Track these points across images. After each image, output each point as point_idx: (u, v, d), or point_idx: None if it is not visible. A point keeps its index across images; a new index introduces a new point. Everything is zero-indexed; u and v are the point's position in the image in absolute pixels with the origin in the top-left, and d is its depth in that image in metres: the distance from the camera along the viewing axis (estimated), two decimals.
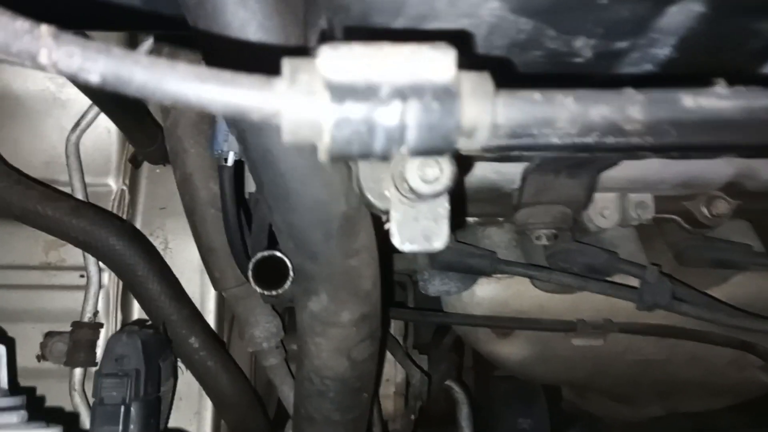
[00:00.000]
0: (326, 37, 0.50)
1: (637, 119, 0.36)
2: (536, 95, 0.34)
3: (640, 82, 0.54)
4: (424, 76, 0.31)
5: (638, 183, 1.06)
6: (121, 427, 0.88)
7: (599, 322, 1.31)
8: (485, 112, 0.33)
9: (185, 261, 1.33)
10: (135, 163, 1.31)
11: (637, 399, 1.67)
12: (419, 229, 0.59)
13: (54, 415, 1.12)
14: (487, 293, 1.34)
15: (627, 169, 1.01)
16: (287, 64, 0.31)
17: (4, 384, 0.80)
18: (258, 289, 0.84)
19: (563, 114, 0.34)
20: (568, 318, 1.32)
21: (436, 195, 0.53)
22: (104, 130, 1.35)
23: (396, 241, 0.59)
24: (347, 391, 0.87)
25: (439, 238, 0.60)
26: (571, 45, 0.46)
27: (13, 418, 0.63)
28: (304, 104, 0.31)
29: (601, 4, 0.40)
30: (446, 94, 0.31)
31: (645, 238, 1.32)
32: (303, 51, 0.51)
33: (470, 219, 1.23)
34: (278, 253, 0.80)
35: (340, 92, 0.30)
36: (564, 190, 0.98)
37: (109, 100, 1.10)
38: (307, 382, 0.87)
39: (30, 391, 1.10)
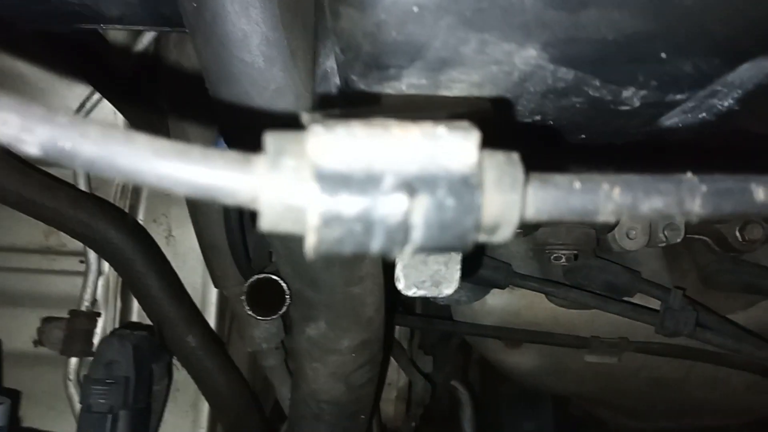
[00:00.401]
0: (331, 77, 0.44)
1: (696, 213, 0.30)
2: (575, 183, 0.28)
3: (691, 129, 0.47)
4: (439, 164, 0.25)
5: None
6: None
7: (615, 340, 1.26)
8: (512, 206, 0.26)
9: (188, 250, 1.29)
10: None
11: (649, 415, 1.62)
12: (428, 273, 0.53)
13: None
14: (499, 302, 1.28)
15: None
16: (271, 141, 0.25)
17: None
18: (251, 314, 0.79)
19: (607, 207, 0.28)
20: (583, 333, 1.26)
21: None
22: (110, 111, 1.29)
23: (401, 285, 0.53)
24: (343, 414, 0.83)
25: (449, 284, 0.54)
26: (617, 94, 0.39)
27: None
28: (287, 194, 0.25)
29: (660, 58, 0.34)
30: (465, 187, 0.25)
31: (670, 255, 1.25)
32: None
33: None
34: (274, 277, 0.75)
35: (333, 182, 0.24)
36: None
37: (113, 88, 1.05)
38: (303, 405, 0.82)
39: (14, 394, 1.08)
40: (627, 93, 0.39)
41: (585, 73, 0.35)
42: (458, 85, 0.37)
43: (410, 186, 0.25)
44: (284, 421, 1.26)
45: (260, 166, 0.25)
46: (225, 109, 0.52)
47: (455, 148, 0.25)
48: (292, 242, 0.61)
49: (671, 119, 0.46)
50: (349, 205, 0.25)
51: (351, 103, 0.40)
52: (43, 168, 1.16)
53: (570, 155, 0.48)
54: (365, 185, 0.25)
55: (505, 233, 0.27)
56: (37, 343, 1.23)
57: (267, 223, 0.25)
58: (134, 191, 1.30)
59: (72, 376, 1.19)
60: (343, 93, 0.42)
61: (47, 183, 1.05)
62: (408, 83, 0.36)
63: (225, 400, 1.15)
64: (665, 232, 1.04)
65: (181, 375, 1.22)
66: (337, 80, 0.49)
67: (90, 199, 1.10)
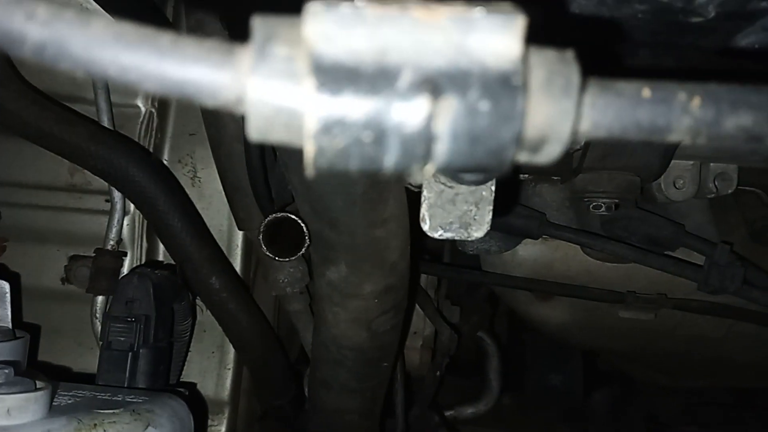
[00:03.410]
0: None
1: None
2: (644, 90, 0.22)
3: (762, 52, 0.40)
4: (472, 58, 0.20)
5: (724, 152, 0.91)
6: (127, 374, 0.84)
7: (652, 296, 1.20)
8: (563, 116, 0.21)
9: (214, 192, 1.26)
10: None
11: (683, 373, 1.57)
12: (456, 213, 0.48)
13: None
14: (531, 254, 1.23)
15: None
16: (259, 26, 0.20)
17: (8, 323, 0.77)
18: (268, 254, 0.75)
19: (683, 122, 0.23)
20: (618, 288, 1.20)
21: (482, 182, 0.42)
22: None
23: (426, 226, 0.48)
24: (365, 361, 0.80)
25: (479, 226, 0.49)
26: (690, 0, 0.32)
27: None
28: (278, 92, 0.20)
29: None
30: (504, 88, 0.20)
31: (717, 208, 1.17)
32: None
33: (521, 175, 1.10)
34: (293, 216, 0.70)
35: (335, 77, 0.19)
36: (636, 156, 0.84)
37: (131, 18, 1.00)
38: (324, 349, 0.80)
39: (34, 328, 1.08)
40: None
41: None
42: None
43: (434, 84, 0.20)
44: (309, 365, 1.25)
45: (245, 58, 0.20)
46: None
47: (493, 36, 0.20)
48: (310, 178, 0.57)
49: (747, 38, 0.39)
50: (356, 106, 0.19)
51: None
52: (66, 104, 1.13)
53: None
54: (376, 82, 0.19)
55: (551, 151, 0.22)
56: (65, 280, 1.23)
57: (256, 129, 0.20)
58: (159, 129, 1.27)
59: (98, 313, 1.19)
60: None
61: (67, 117, 1.02)
62: None
63: (248, 342, 1.13)
64: (716, 182, 0.97)
65: (207, 316, 1.21)
66: None
67: (112, 135, 1.07)
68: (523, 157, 0.22)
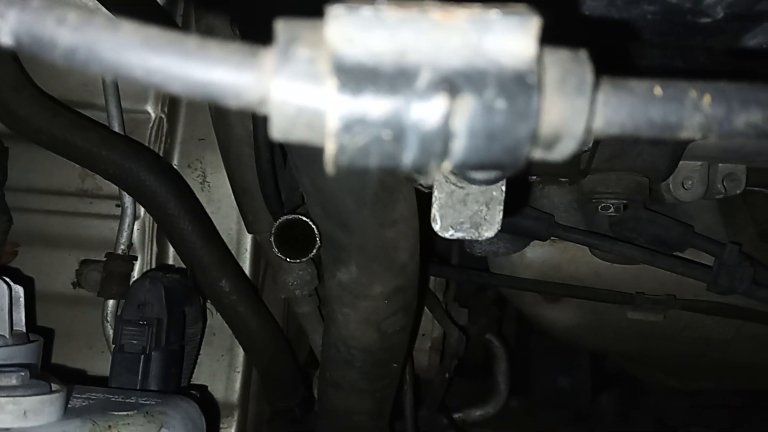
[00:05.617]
0: None
1: None
2: (656, 89, 0.23)
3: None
4: (488, 58, 0.20)
5: (732, 153, 0.91)
6: (140, 377, 0.85)
7: (661, 297, 1.20)
8: (577, 114, 0.22)
9: (223, 196, 1.27)
10: None
11: (691, 375, 1.57)
12: (467, 213, 0.49)
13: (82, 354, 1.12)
14: (539, 255, 1.23)
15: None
16: (282, 29, 0.21)
17: (23, 326, 0.78)
18: (280, 256, 0.76)
19: (694, 119, 0.23)
20: (627, 289, 1.21)
21: (493, 182, 0.43)
22: None
23: (437, 226, 0.49)
24: (375, 362, 0.81)
25: (489, 226, 0.49)
26: (699, 0, 0.33)
27: (12, 380, 0.59)
28: (300, 92, 0.20)
29: None
30: (519, 87, 0.21)
31: (726, 208, 1.17)
32: None
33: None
34: (304, 218, 0.71)
35: (356, 77, 0.20)
36: (644, 157, 0.85)
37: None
38: (334, 350, 0.80)
39: (48, 332, 1.09)
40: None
41: None
42: None
43: (451, 83, 0.20)
44: (318, 368, 1.25)
45: (268, 59, 0.20)
46: None
47: (509, 37, 0.20)
48: (321, 180, 0.57)
49: (755, 38, 0.39)
50: (376, 105, 0.20)
51: None
52: (77, 110, 1.15)
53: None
54: (396, 81, 0.20)
55: (565, 148, 0.22)
56: (76, 284, 1.24)
57: (278, 129, 0.21)
58: (169, 134, 1.28)
59: (109, 317, 1.20)
60: None
61: (79, 123, 1.03)
62: None
63: (258, 344, 1.14)
64: (724, 183, 0.97)
65: (217, 320, 1.22)
66: None
67: (123, 140, 1.08)
68: (538, 154, 0.23)
